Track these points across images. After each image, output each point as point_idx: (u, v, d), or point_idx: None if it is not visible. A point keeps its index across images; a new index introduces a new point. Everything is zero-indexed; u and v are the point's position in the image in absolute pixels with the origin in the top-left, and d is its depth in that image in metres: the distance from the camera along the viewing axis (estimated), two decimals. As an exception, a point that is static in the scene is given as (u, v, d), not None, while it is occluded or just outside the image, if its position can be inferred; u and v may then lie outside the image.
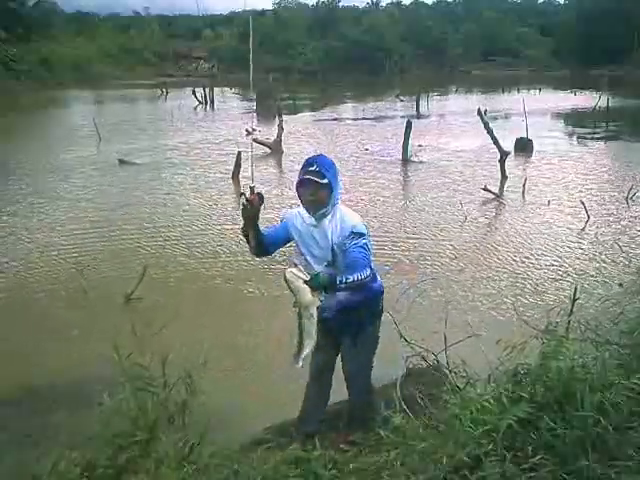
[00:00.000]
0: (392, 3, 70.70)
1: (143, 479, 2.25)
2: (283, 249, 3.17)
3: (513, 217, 9.54)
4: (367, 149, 15.88)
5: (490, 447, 2.04)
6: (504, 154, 12.36)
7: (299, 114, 25.39)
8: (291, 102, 28.40)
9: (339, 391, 3.27)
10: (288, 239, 3.04)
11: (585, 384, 2.12)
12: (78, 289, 6.29)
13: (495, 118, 20.09)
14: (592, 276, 6.62)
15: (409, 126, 14.03)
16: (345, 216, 2.88)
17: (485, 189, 10.48)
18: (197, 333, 5.06)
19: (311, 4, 66.33)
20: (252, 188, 2.82)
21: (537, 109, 23.21)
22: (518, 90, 35.39)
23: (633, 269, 6.51)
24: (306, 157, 2.94)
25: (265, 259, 6.78)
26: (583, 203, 9.21)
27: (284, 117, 16.50)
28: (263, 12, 60.91)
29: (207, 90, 29.83)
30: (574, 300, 4.17)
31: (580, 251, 7.67)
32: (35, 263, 7.28)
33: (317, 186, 2.83)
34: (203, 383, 2.61)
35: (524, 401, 2.15)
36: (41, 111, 28.46)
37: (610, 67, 46.84)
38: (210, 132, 19.70)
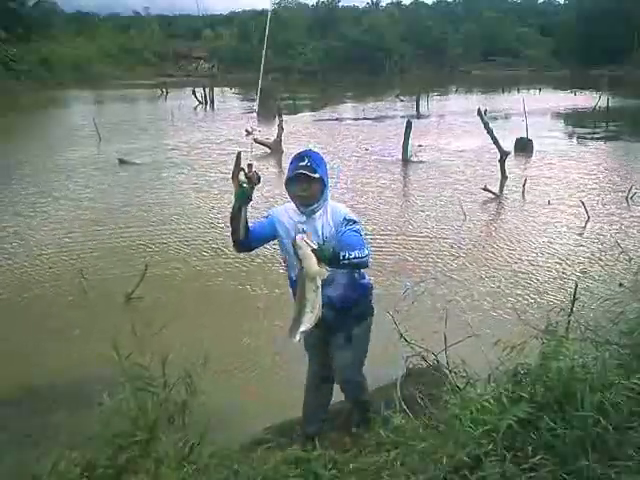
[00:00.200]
0: (392, 3, 70.73)
1: (143, 479, 2.24)
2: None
3: (513, 217, 9.54)
4: (367, 149, 15.88)
5: (490, 447, 2.04)
6: (504, 154, 12.36)
7: (299, 114, 25.40)
8: (291, 102, 28.40)
9: (339, 391, 3.27)
10: (273, 236, 2.99)
11: (585, 384, 2.12)
12: (78, 289, 6.30)
13: (495, 118, 20.09)
14: (592, 276, 6.63)
15: (409, 126, 14.03)
16: (335, 208, 2.89)
17: (485, 189, 10.48)
18: (198, 333, 5.06)
19: (311, 4, 66.42)
20: (250, 166, 2.74)
21: (537, 109, 23.21)
22: (518, 90, 35.37)
23: (633, 269, 6.50)
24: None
25: (266, 259, 6.85)
26: (583, 203, 9.21)
27: (284, 117, 16.50)
28: (263, 12, 60.92)
29: (207, 90, 29.83)
30: (574, 300, 4.18)
31: (580, 251, 7.67)
32: (36, 263, 7.28)
33: (309, 181, 2.80)
34: (203, 383, 2.61)
35: (524, 401, 2.15)
36: (41, 111, 28.47)
37: (610, 67, 46.82)
38: (210, 132, 19.70)
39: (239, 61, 52.71)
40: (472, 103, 25.20)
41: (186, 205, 10.22)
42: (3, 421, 3.92)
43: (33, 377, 4.55)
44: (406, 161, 13.99)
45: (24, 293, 6.37)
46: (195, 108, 28.68)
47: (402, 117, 21.59)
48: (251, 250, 3.06)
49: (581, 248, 7.80)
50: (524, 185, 10.87)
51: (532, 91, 35.99)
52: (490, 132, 12.65)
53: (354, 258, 2.64)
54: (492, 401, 2.20)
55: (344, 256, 2.62)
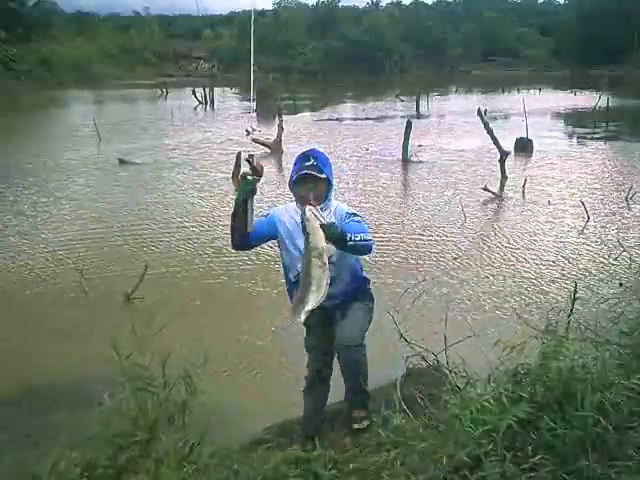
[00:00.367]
0: (392, 3, 70.69)
1: (143, 479, 2.24)
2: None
3: (513, 217, 9.54)
4: (367, 149, 15.88)
5: (490, 447, 2.04)
6: (504, 154, 12.36)
7: (299, 114, 25.39)
8: (291, 102, 28.40)
9: (339, 391, 3.26)
10: (272, 236, 2.95)
11: (585, 384, 2.12)
12: (79, 288, 6.30)
13: (495, 118, 20.09)
14: (592, 276, 6.62)
15: (409, 126, 14.03)
16: (338, 207, 2.89)
17: (485, 189, 10.48)
18: (198, 332, 5.07)
19: (311, 4, 66.39)
20: (252, 156, 2.69)
21: (537, 109, 23.21)
22: (518, 90, 35.37)
23: (633, 269, 6.51)
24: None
25: (268, 258, 6.84)
26: (583, 203, 9.21)
27: (284, 117, 16.50)
28: (263, 12, 60.96)
29: (207, 90, 29.83)
30: (574, 300, 4.17)
31: (580, 251, 7.67)
32: (37, 262, 7.28)
33: (316, 181, 2.77)
34: (203, 383, 2.61)
35: (524, 401, 2.15)
36: (41, 111, 28.46)
37: (610, 67, 46.83)
38: (211, 132, 19.71)
39: (239, 61, 52.62)
40: (472, 103, 25.20)
41: (187, 205, 10.22)
42: (3, 421, 3.92)
43: (33, 377, 4.55)
44: (406, 161, 13.99)
45: (24, 292, 6.37)
46: (195, 108, 28.68)
47: (402, 117, 21.59)
48: (250, 248, 3.01)
49: (581, 248, 7.80)
50: (524, 185, 10.88)
51: (532, 91, 36.00)
52: (490, 132, 12.65)
53: (360, 240, 2.61)
54: (492, 401, 2.20)
55: (350, 237, 2.57)
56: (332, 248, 2.53)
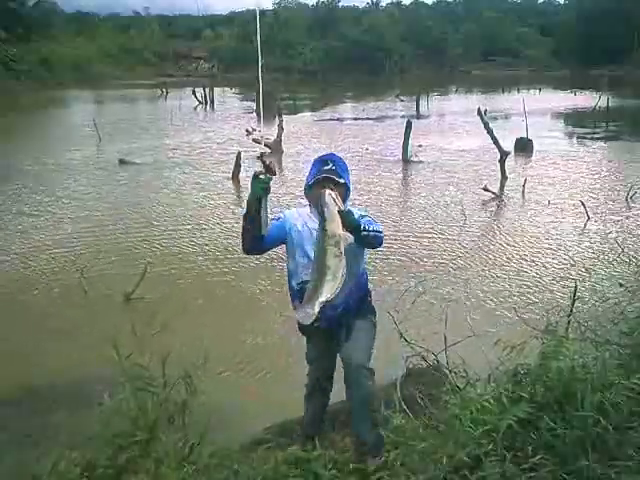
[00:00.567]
0: (392, 3, 70.67)
1: (143, 479, 2.25)
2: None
3: (513, 217, 9.54)
4: (367, 149, 15.88)
5: (490, 447, 2.04)
6: (504, 154, 12.36)
7: (299, 114, 25.39)
8: (291, 102, 28.40)
9: (339, 391, 3.26)
10: (282, 240, 2.86)
11: (585, 384, 2.12)
12: (79, 288, 6.30)
13: (495, 118, 20.09)
14: (592, 276, 6.62)
15: (409, 126, 14.03)
16: (352, 209, 2.79)
17: (485, 189, 10.48)
18: (199, 332, 5.06)
19: (311, 4, 66.36)
20: (263, 154, 2.67)
21: (537, 109, 23.20)
22: (518, 90, 35.37)
23: (633, 269, 6.51)
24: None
25: (270, 257, 6.83)
26: (583, 203, 9.21)
27: (284, 117, 16.50)
28: (263, 12, 60.94)
29: (207, 90, 29.83)
30: (574, 300, 4.17)
31: (580, 251, 7.67)
32: (38, 262, 7.29)
33: (335, 186, 2.67)
34: (203, 383, 2.61)
35: (524, 401, 2.15)
36: (41, 111, 28.46)
37: (610, 67, 46.83)
38: (211, 132, 19.71)
39: (239, 61, 52.64)
40: (472, 103, 25.20)
41: (189, 204, 10.22)
42: (3, 421, 3.92)
43: (33, 377, 4.55)
44: (406, 161, 13.99)
45: (24, 292, 6.37)
46: (195, 108, 28.67)
47: (402, 117, 21.60)
48: (262, 252, 2.90)
49: (581, 248, 7.80)
50: (524, 185, 10.87)
51: (532, 91, 36.00)
52: (490, 132, 12.65)
53: (372, 231, 2.56)
54: (492, 401, 2.20)
55: (364, 227, 2.52)
56: (349, 237, 2.44)
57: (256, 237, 2.67)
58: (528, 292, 6.25)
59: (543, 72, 52.39)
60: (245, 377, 4.61)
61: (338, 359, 3.03)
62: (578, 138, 18.69)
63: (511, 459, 2.00)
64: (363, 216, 2.71)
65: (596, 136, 18.80)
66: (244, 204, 2.72)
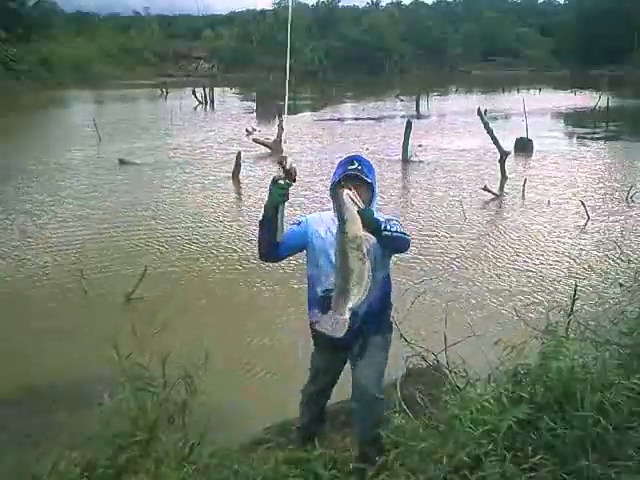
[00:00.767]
0: (392, 3, 70.73)
1: (143, 479, 2.25)
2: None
3: (513, 217, 9.54)
4: (367, 149, 15.87)
5: (490, 447, 2.04)
6: (504, 154, 12.36)
7: (299, 114, 25.38)
8: (291, 102, 28.40)
9: (339, 391, 3.26)
10: (302, 246, 2.70)
11: (585, 384, 2.12)
12: (79, 288, 6.29)
13: (495, 118, 20.09)
14: (592, 276, 6.62)
15: (409, 126, 14.04)
16: (379, 214, 2.64)
17: (485, 189, 10.48)
18: (199, 332, 5.06)
19: (311, 4, 66.36)
20: (285, 158, 2.43)
21: (537, 109, 23.21)
22: (518, 90, 35.37)
23: (633, 269, 6.50)
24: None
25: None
26: (583, 203, 9.21)
27: (284, 117, 16.49)
28: (263, 12, 60.95)
29: (207, 90, 29.83)
30: (574, 300, 4.17)
31: (580, 251, 7.67)
32: (38, 262, 7.28)
33: (360, 184, 2.55)
34: (203, 383, 2.61)
35: (524, 401, 2.15)
36: (41, 111, 28.45)
37: (610, 67, 46.85)
38: (211, 132, 19.71)
39: (239, 61, 52.74)
40: (472, 103, 25.20)
41: (190, 204, 10.22)
42: (3, 421, 3.92)
43: (33, 377, 4.55)
44: (406, 161, 13.99)
45: (24, 292, 6.37)
46: (195, 108, 28.66)
47: (402, 117, 21.60)
48: (279, 260, 2.75)
49: (581, 248, 7.79)
50: (524, 185, 10.87)
51: (532, 91, 35.99)
52: (490, 132, 12.65)
53: (395, 232, 2.43)
54: (492, 401, 2.20)
55: (385, 227, 2.38)
56: (371, 237, 2.31)
57: (271, 244, 2.56)
58: (528, 292, 6.25)
59: (543, 72, 52.39)
60: (245, 377, 4.61)
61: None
62: (578, 138, 18.69)
63: (511, 459, 2.00)
64: (389, 220, 2.55)
65: (596, 136, 18.80)
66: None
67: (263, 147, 15.18)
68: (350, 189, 2.34)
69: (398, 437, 2.43)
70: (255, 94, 29.47)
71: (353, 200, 2.29)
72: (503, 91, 36.96)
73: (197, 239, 8.25)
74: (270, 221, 2.50)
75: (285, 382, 4.24)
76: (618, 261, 7.01)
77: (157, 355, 2.70)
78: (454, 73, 54.92)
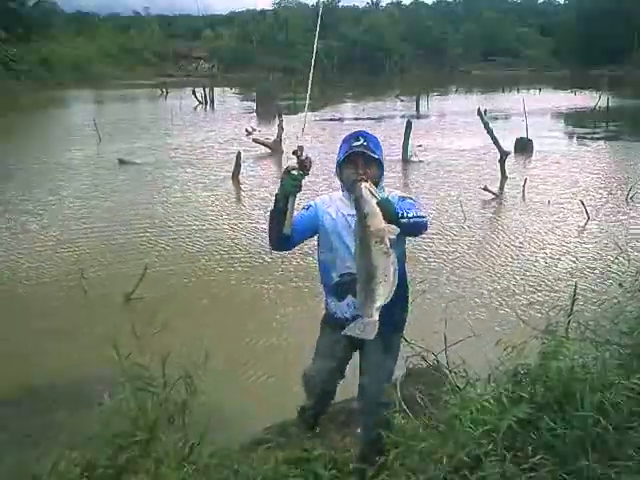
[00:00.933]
0: (392, 3, 70.86)
1: (143, 479, 2.25)
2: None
3: (513, 217, 9.54)
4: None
5: (490, 447, 2.04)
6: (504, 154, 12.36)
7: (299, 114, 25.38)
8: (291, 102, 28.39)
9: (339, 391, 3.26)
10: (314, 231, 2.63)
11: (585, 384, 2.12)
12: (79, 288, 6.29)
13: (495, 118, 20.10)
14: (592, 276, 6.63)
15: (409, 126, 14.04)
16: (391, 193, 2.58)
17: (485, 189, 10.48)
18: (199, 332, 5.06)
19: (311, 4, 66.35)
20: (301, 148, 2.36)
21: (537, 109, 23.21)
22: (518, 90, 35.37)
23: (633, 269, 6.50)
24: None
25: (274, 256, 6.82)
26: (583, 203, 9.21)
27: (284, 117, 16.50)
28: (263, 12, 60.97)
29: (207, 90, 29.83)
30: (574, 300, 4.17)
31: (580, 251, 7.67)
32: (39, 262, 7.28)
33: (367, 162, 2.48)
34: (203, 383, 2.60)
35: (524, 401, 2.15)
36: (41, 111, 28.45)
37: (610, 67, 46.88)
38: (211, 132, 19.71)
39: (239, 61, 52.77)
40: (472, 103, 25.19)
41: (190, 204, 10.21)
42: (3, 421, 3.92)
43: (33, 377, 4.55)
44: (406, 161, 13.99)
45: (24, 292, 6.37)
46: (195, 108, 28.66)
47: (402, 117, 21.60)
48: (290, 248, 2.67)
49: (581, 248, 7.79)
50: (524, 185, 10.87)
51: (532, 91, 35.99)
52: (490, 132, 12.65)
53: (412, 217, 2.34)
54: (492, 401, 2.20)
55: (402, 214, 2.29)
56: (393, 228, 2.22)
57: (280, 236, 2.50)
58: (528, 292, 6.24)
59: (543, 72, 52.41)
60: (245, 377, 4.61)
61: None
62: (578, 138, 18.69)
63: (511, 459, 2.00)
64: (404, 199, 2.51)
65: (596, 136, 18.80)
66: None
67: (263, 147, 15.19)
68: (366, 181, 2.27)
69: (398, 437, 2.43)
70: (255, 94, 29.45)
71: (370, 192, 2.22)
72: (503, 91, 36.97)
73: (197, 239, 8.24)
74: (280, 212, 2.45)
75: (285, 382, 4.23)
76: (618, 261, 7.00)
77: (157, 355, 2.70)
78: (454, 73, 54.93)
